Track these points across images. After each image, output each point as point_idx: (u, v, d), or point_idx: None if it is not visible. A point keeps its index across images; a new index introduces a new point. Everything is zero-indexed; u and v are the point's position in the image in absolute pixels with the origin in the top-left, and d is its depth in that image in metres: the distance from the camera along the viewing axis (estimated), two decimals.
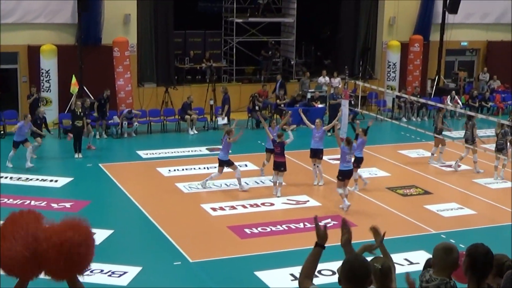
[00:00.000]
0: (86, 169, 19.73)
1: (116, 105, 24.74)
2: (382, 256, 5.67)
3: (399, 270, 11.76)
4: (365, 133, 17.96)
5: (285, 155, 17.74)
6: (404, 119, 27.16)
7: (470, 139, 20.43)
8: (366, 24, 30.37)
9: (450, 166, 20.96)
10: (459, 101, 27.85)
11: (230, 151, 18.18)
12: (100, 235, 14.25)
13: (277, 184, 17.63)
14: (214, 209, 16.55)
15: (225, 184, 18.59)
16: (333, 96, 25.62)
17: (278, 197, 17.45)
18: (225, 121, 23.77)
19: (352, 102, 26.02)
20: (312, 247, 4.76)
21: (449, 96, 27.72)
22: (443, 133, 21.63)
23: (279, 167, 17.59)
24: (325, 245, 4.73)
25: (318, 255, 4.64)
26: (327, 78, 27.92)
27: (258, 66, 29.66)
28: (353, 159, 17.16)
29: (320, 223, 4.80)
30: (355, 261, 4.52)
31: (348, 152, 16.54)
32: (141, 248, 14.27)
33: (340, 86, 27.08)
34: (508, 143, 20.08)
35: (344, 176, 16.62)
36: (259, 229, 15.32)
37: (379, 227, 5.79)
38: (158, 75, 27.22)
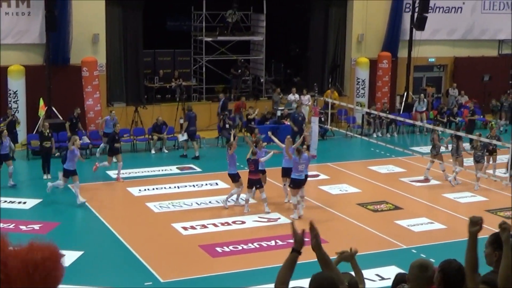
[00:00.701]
0: (55, 190, 19.47)
1: (86, 125, 24.59)
2: (348, 272, 5.66)
3: (370, 285, 11.79)
4: (308, 151, 18.16)
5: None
6: (374, 135, 27.32)
7: (456, 153, 20.72)
8: (335, 42, 30.60)
9: (419, 181, 21.13)
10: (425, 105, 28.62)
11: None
12: (70, 256, 14.10)
13: (263, 200, 17.72)
14: (185, 228, 16.47)
15: (196, 203, 18.51)
16: (294, 116, 25.45)
17: (268, 212, 17.53)
18: (185, 137, 23.75)
19: (322, 119, 26.15)
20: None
21: (418, 98, 28.58)
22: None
23: (255, 184, 17.64)
24: (298, 262, 4.70)
25: (294, 260, 4.59)
26: (296, 96, 28.01)
27: (227, 84, 29.68)
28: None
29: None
30: (323, 280, 4.49)
31: (298, 162, 17.11)
32: (111, 269, 14.14)
33: (309, 103, 27.20)
34: (487, 156, 20.64)
35: (295, 184, 17.14)
36: (231, 247, 15.26)
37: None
38: (128, 94, 27.12)
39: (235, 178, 18.13)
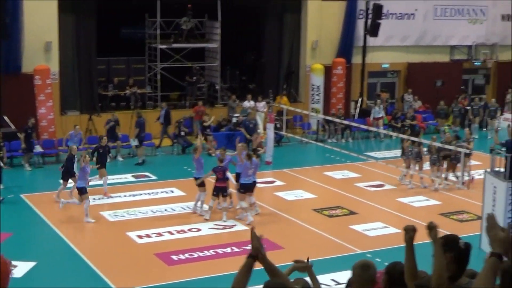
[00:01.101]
0: (7, 200, 19.19)
1: (39, 134, 24.25)
2: (302, 278, 5.69)
3: None
4: (255, 156, 18.13)
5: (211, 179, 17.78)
6: (329, 141, 27.40)
7: (418, 156, 21.00)
8: (290, 48, 30.69)
9: (374, 186, 21.31)
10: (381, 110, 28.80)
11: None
12: (22, 267, 13.89)
13: (222, 208, 17.67)
14: (140, 237, 16.34)
15: (151, 211, 18.38)
16: (245, 123, 25.30)
17: (225, 221, 17.41)
18: (136, 142, 23.66)
19: (278, 125, 26.18)
20: None
21: (375, 103, 28.74)
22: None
23: (222, 191, 17.59)
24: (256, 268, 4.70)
25: (250, 266, 4.56)
26: (252, 102, 27.97)
27: (183, 91, 29.57)
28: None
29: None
30: (273, 285, 4.49)
31: (249, 167, 17.28)
32: (65, 279, 13.92)
33: (265, 110, 27.24)
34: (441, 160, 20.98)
35: (246, 189, 17.35)
36: (186, 255, 15.19)
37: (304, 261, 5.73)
38: (82, 102, 26.83)
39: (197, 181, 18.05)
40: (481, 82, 34.54)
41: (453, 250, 4.73)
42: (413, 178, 21.23)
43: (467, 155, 21.16)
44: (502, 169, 16.05)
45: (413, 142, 21.45)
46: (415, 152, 21.11)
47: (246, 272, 4.55)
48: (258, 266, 4.65)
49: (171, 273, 14.21)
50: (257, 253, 4.51)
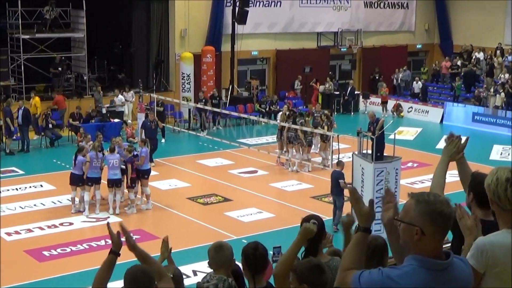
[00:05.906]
0: None
1: None
2: (173, 265, 5.77)
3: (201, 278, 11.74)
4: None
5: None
6: (202, 130, 27.23)
7: (297, 140, 21.29)
8: (158, 37, 30.41)
9: (249, 172, 21.47)
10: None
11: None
12: None
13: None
14: (9, 234, 15.72)
15: (20, 207, 17.72)
16: (146, 124, 21.99)
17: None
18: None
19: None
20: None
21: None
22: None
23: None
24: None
25: (112, 262, 4.60)
26: (120, 97, 26.74)
27: (49, 83, 28.66)
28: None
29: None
30: (136, 272, 4.50)
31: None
32: None
33: (133, 99, 26.75)
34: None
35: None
36: (59, 250, 14.80)
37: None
38: None
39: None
40: (348, 68, 35.45)
41: None
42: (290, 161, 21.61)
43: (323, 139, 21.72)
44: (369, 151, 16.56)
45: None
46: (293, 136, 21.42)
47: (107, 268, 4.63)
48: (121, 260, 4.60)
49: (42, 269, 13.81)
50: (118, 248, 4.52)
